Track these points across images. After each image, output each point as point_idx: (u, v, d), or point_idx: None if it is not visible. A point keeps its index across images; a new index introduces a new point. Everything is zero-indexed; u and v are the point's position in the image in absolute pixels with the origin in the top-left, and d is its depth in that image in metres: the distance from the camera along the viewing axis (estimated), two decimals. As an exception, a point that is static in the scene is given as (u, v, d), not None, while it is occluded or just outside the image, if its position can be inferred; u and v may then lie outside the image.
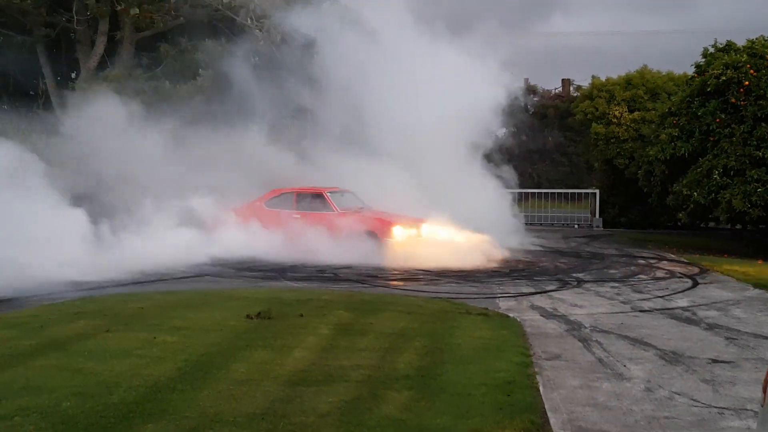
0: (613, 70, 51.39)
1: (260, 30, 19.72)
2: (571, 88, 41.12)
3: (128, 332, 8.06)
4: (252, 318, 8.73)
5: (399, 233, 15.38)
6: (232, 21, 20.47)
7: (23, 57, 21.20)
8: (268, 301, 9.85)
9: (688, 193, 17.08)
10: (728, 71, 17.13)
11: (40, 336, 7.85)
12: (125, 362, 6.76)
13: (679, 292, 11.85)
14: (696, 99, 17.83)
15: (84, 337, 7.81)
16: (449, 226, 15.38)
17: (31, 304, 10.11)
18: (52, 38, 21.21)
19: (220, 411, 5.48)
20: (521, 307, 10.33)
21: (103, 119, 16.87)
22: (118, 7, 19.03)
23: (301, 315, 9.01)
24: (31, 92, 22.91)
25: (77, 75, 21.10)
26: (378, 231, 15.45)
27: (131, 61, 20.56)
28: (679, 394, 6.21)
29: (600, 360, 7.34)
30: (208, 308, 9.56)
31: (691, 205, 17.25)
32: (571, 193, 27.65)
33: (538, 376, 6.64)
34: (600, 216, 25.75)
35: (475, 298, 11.03)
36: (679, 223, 19.81)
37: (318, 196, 16.61)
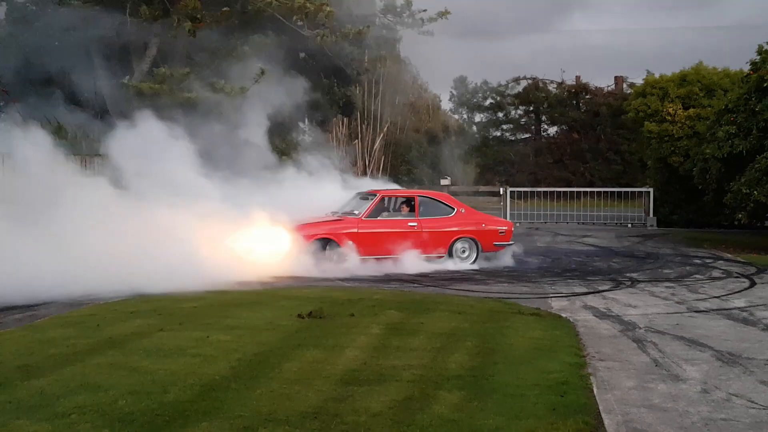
0: (663, 68, 50.57)
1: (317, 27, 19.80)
2: (624, 86, 40.56)
3: (182, 331, 8.19)
4: (303, 317, 8.79)
5: None
6: (279, 20, 20.63)
7: (78, 58, 21.67)
8: (319, 300, 9.91)
9: (748, 191, 16.70)
10: (787, 67, 16.76)
11: (96, 335, 8.02)
12: (180, 361, 6.86)
13: (736, 292, 11.59)
14: (753, 95, 17.44)
15: (139, 335, 7.95)
16: None
17: (89, 303, 10.32)
18: (107, 40, 21.60)
19: (273, 410, 5.52)
20: (574, 307, 10.21)
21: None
22: (174, 22, 19.27)
23: (352, 314, 9.04)
24: (86, 94, 23.40)
25: (131, 77, 21.48)
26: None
27: (184, 61, 20.86)
28: (736, 396, 6.07)
29: (655, 361, 7.22)
30: (260, 307, 9.66)
31: (752, 204, 16.86)
32: (624, 191, 27.24)
33: (591, 377, 6.56)
34: (654, 215, 25.33)
35: (526, 298, 10.94)
36: (736, 222, 19.39)
37: None
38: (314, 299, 10.03)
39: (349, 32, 20.41)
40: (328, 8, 19.37)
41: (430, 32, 23.43)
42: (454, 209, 15.02)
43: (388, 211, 14.92)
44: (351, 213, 14.58)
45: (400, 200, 15.19)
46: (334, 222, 14.23)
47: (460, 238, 14.73)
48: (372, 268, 13.80)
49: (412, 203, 14.86)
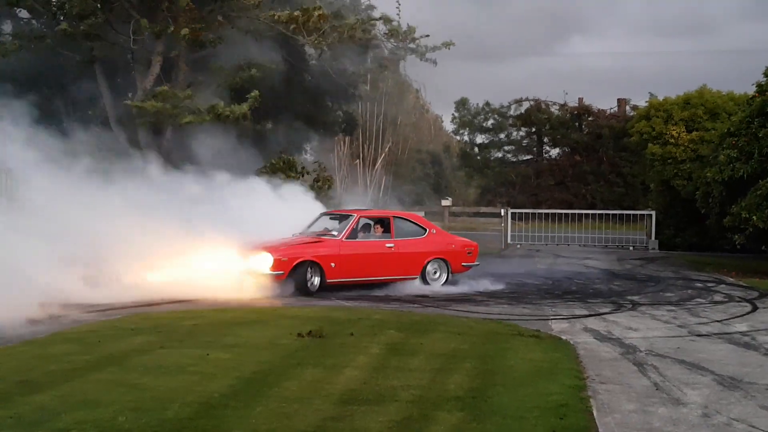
0: (666, 91, 50.77)
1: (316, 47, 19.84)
2: (627, 108, 40.62)
3: (182, 348, 8.20)
4: (303, 336, 8.78)
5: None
6: (285, 38, 20.70)
7: (82, 77, 21.77)
8: (319, 319, 9.91)
9: (747, 215, 16.71)
10: (789, 91, 16.81)
11: (97, 351, 8.03)
12: (179, 378, 6.86)
13: (738, 316, 11.56)
14: (756, 119, 17.47)
15: (140, 352, 7.97)
16: None
17: (89, 320, 10.32)
18: (111, 58, 21.68)
19: (272, 428, 5.52)
20: (574, 330, 10.19)
21: None
22: (170, 29, 19.40)
23: (352, 334, 9.04)
24: (89, 112, 23.48)
25: (134, 94, 21.54)
26: None
27: (186, 81, 20.91)
28: (737, 420, 6.05)
29: (656, 384, 7.20)
30: (260, 326, 9.66)
31: (750, 229, 16.87)
32: (626, 214, 27.23)
33: (591, 400, 6.54)
34: (656, 238, 25.30)
35: (527, 320, 10.92)
36: (738, 246, 19.35)
37: None
38: (314, 319, 10.03)
39: (344, 30, 20.19)
40: (318, 12, 19.27)
41: (433, 61, 23.29)
42: (426, 230, 14.76)
43: (362, 232, 14.31)
44: (327, 234, 13.99)
45: (373, 221, 14.61)
46: (315, 244, 13.62)
47: (432, 259, 14.47)
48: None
49: (387, 224, 14.38)
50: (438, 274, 14.53)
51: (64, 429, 5.42)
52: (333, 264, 13.36)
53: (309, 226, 14.55)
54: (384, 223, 14.44)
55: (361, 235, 14.17)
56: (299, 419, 5.74)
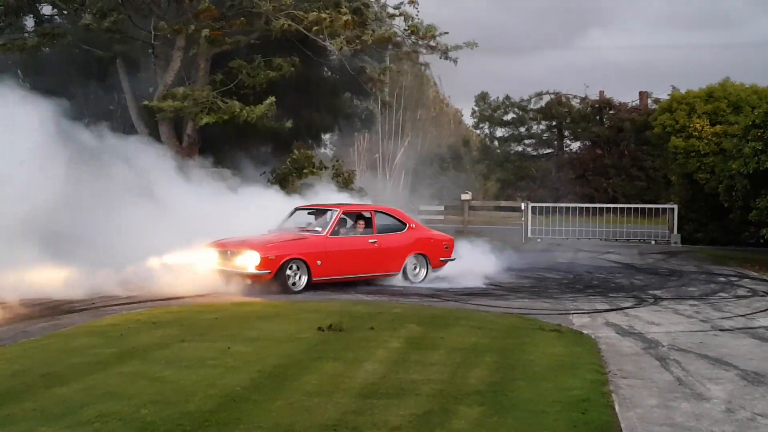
0: (689, 84, 50.25)
1: (335, 47, 19.84)
2: (649, 101, 40.31)
3: (204, 342, 8.25)
4: (324, 330, 8.80)
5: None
6: (306, 37, 20.71)
7: (103, 73, 21.92)
8: (339, 313, 9.92)
9: (773, 209, 16.56)
10: (814, 82, 16.61)
11: (120, 344, 8.10)
12: (201, 371, 6.90)
13: (762, 311, 11.46)
14: (781, 112, 17.29)
15: (161, 346, 8.02)
16: None
17: (112, 313, 10.41)
18: (131, 54, 21.79)
19: (293, 422, 5.53)
20: (596, 324, 10.14)
21: None
22: (190, 29, 19.48)
23: (372, 328, 9.05)
24: (110, 107, 23.61)
25: (155, 91, 21.64)
26: None
27: (206, 78, 20.99)
28: (761, 416, 6.00)
29: (678, 379, 7.15)
30: (280, 320, 9.70)
31: (776, 222, 16.72)
32: (648, 208, 27.05)
33: (613, 395, 6.50)
34: (678, 232, 25.11)
35: (547, 314, 10.87)
36: (762, 240, 19.15)
37: None
38: (334, 312, 10.05)
39: (369, 38, 20.16)
40: (344, 18, 19.22)
41: (454, 60, 22.99)
42: (406, 225, 14.27)
43: (342, 227, 13.76)
44: (310, 230, 13.49)
45: (354, 216, 14.10)
46: (301, 241, 13.07)
47: (413, 254, 14.06)
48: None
49: (368, 219, 13.87)
50: (418, 270, 14.15)
51: (87, 421, 5.46)
52: (319, 262, 12.83)
53: (284, 222, 14.02)
54: (366, 218, 13.97)
55: (342, 230, 13.70)
56: (320, 413, 5.75)
